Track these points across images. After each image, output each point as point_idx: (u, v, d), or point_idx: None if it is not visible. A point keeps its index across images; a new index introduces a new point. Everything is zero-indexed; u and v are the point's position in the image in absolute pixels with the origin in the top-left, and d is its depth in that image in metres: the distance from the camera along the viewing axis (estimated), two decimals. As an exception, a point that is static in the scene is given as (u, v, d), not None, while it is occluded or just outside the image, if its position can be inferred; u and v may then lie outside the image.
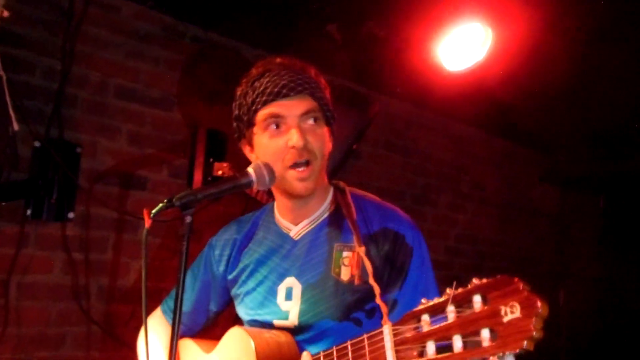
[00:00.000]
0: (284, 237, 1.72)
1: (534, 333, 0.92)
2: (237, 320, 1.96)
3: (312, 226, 1.69)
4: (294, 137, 1.56)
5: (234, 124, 1.72)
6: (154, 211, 1.43)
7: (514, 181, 5.54)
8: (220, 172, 3.15)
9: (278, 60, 1.65)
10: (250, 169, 1.53)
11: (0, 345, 2.70)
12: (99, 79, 3.12)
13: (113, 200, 3.13)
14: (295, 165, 1.57)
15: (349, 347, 1.28)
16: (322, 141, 1.62)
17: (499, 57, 3.28)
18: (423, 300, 1.12)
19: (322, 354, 1.36)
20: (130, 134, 3.23)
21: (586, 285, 6.10)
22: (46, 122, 2.88)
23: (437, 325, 1.07)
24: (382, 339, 1.19)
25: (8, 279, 2.74)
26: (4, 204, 2.73)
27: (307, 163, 1.58)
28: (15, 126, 2.61)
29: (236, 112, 1.69)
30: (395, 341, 1.16)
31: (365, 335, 1.25)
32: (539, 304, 0.93)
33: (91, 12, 3.06)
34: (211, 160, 3.29)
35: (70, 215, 2.92)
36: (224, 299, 1.87)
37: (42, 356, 2.85)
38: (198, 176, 3.26)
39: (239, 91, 1.68)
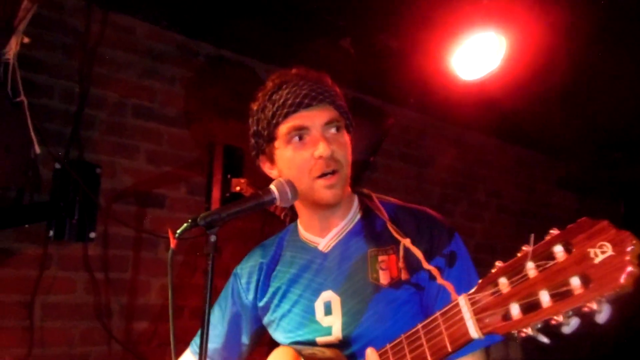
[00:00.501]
0: (313, 251, 1.67)
1: (632, 267, 0.84)
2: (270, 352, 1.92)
3: (341, 236, 1.65)
4: (320, 148, 1.53)
5: (252, 141, 1.68)
6: (178, 231, 1.43)
7: (531, 188, 5.50)
8: (238, 188, 3.16)
9: (294, 71, 1.62)
10: (272, 186, 1.52)
11: (26, 367, 2.72)
12: (116, 99, 3.16)
13: (132, 219, 3.15)
14: (323, 175, 1.55)
15: (420, 329, 1.18)
16: (346, 149, 1.60)
17: (513, 65, 3.27)
18: (497, 263, 1.04)
19: (388, 346, 1.26)
20: (148, 153, 3.26)
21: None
22: (66, 144, 2.92)
23: (519, 284, 0.99)
24: (460, 311, 1.09)
25: (32, 300, 2.76)
26: (27, 226, 2.76)
27: (334, 172, 1.56)
28: (37, 149, 2.66)
29: (254, 127, 1.65)
30: (474, 310, 1.06)
31: (437, 313, 1.15)
32: (631, 238, 0.86)
33: (107, 34, 3.10)
34: (229, 176, 3.30)
35: (92, 235, 2.94)
36: (255, 329, 1.80)
37: (66, 376, 2.86)
38: (216, 193, 3.27)
39: (255, 106, 1.65)
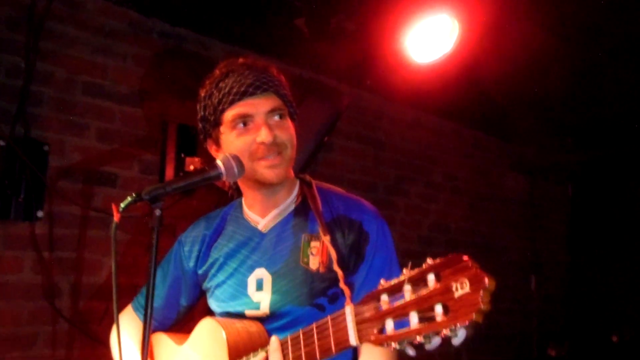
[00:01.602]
0: (253, 230, 1.76)
1: (482, 306, 0.98)
2: (210, 313, 1.98)
3: (280, 218, 1.74)
4: (262, 134, 1.61)
5: (200, 125, 1.75)
6: (122, 205, 1.44)
7: (485, 171, 5.64)
8: (192, 167, 3.15)
9: (240, 60, 1.69)
10: (219, 161, 1.55)
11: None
12: (65, 76, 3.08)
13: (83, 197, 3.10)
14: (264, 158, 1.63)
15: (314, 329, 1.32)
16: (290, 133, 1.69)
17: (467, 47, 3.33)
18: (382, 282, 1.18)
19: (289, 337, 1.40)
20: (100, 131, 3.20)
21: (556, 271, 6.26)
22: (11, 120, 2.84)
23: (395, 304, 1.13)
24: (345, 319, 1.24)
25: (-23, 280, 2.70)
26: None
27: (277, 153, 1.64)
28: (-20, 125, 2.57)
29: (202, 113, 1.72)
30: (356, 320, 1.21)
31: (329, 317, 1.29)
32: (486, 279, 0.99)
33: (55, 7, 3.01)
34: (182, 155, 3.28)
35: (39, 214, 2.88)
36: (194, 293, 1.90)
37: (14, 356, 2.81)
38: (170, 172, 3.25)
39: (202, 92, 1.71)
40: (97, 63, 3.20)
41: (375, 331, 1.15)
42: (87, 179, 3.13)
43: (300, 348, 1.34)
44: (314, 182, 1.79)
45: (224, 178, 1.55)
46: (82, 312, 3.04)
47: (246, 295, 1.70)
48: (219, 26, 3.49)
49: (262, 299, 1.68)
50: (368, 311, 1.18)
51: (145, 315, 1.40)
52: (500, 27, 3.41)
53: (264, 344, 1.57)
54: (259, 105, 1.63)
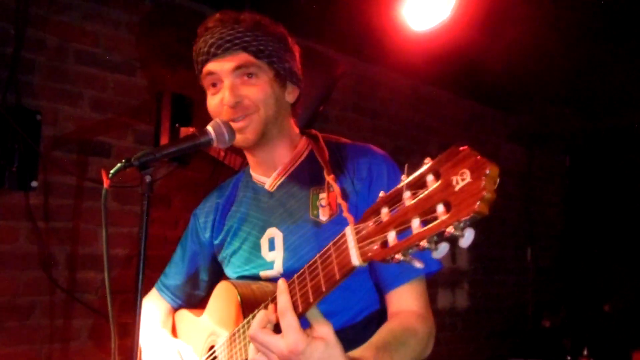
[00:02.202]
0: (261, 190, 1.73)
1: (485, 193, 0.88)
2: None
3: (285, 175, 1.69)
4: (225, 95, 1.57)
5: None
6: (112, 171, 1.42)
7: (482, 141, 5.62)
8: (185, 137, 3.12)
9: (217, 16, 1.63)
10: (209, 127, 1.51)
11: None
12: (56, 43, 3.03)
13: (77, 167, 3.08)
14: (231, 121, 1.56)
15: (318, 260, 1.23)
16: (262, 92, 1.59)
17: (465, 16, 3.27)
18: (381, 194, 1.08)
19: (295, 275, 1.30)
20: (93, 100, 3.16)
21: (552, 242, 6.29)
22: (2, 89, 2.80)
23: (395, 213, 1.04)
24: (345, 240, 1.15)
25: (-29, 250, 2.70)
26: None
27: (242, 118, 1.58)
28: (-30, 93, 2.54)
29: (196, 70, 1.70)
30: (357, 238, 1.11)
31: (330, 243, 1.20)
32: (487, 165, 0.90)
33: (45, -27, 2.95)
34: (177, 125, 3.25)
35: (33, 184, 2.86)
36: (213, 267, 1.87)
37: (11, 325, 2.83)
38: (164, 141, 3.22)
39: (194, 49, 1.69)
40: (89, 30, 3.15)
41: (377, 246, 1.06)
42: (81, 149, 3.11)
43: (307, 283, 1.24)
44: (320, 135, 1.72)
45: (215, 144, 1.51)
46: (78, 282, 3.05)
47: (260, 257, 1.67)
48: (212, -7, 3.43)
49: (275, 258, 1.64)
50: (368, 227, 1.08)
51: (136, 285, 1.37)
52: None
53: None
54: (222, 65, 1.58)
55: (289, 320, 1.21)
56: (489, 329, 5.55)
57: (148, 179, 1.43)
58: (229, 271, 1.78)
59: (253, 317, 1.38)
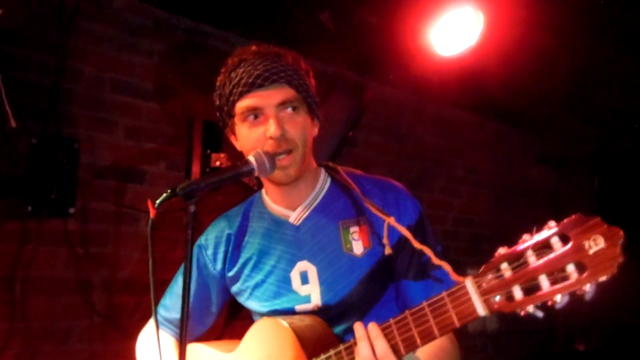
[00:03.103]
0: (284, 224, 1.71)
1: (621, 258, 1.02)
2: (229, 320, 1.96)
3: (310, 209, 1.70)
4: (271, 128, 1.55)
5: (217, 114, 1.71)
6: (158, 201, 1.43)
7: (509, 163, 5.59)
8: (217, 163, 3.18)
9: (253, 48, 1.62)
10: (251, 157, 1.54)
11: (8, 340, 2.73)
12: (93, 73, 3.13)
13: (112, 194, 3.15)
14: (275, 155, 1.56)
15: (426, 307, 1.28)
16: (303, 128, 1.61)
17: (491, 40, 3.30)
18: (500, 250, 1.17)
19: (392, 321, 1.33)
20: (127, 128, 3.24)
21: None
22: (42, 118, 2.89)
23: (521, 270, 1.13)
24: (467, 292, 1.21)
25: (13, 275, 2.77)
26: (4, 201, 2.75)
27: (288, 152, 1.58)
28: (13, 123, 2.62)
29: (217, 102, 1.68)
30: (480, 291, 1.19)
31: (444, 293, 1.25)
32: (621, 233, 1.03)
33: (83, 6, 3.06)
34: (208, 151, 3.31)
35: (71, 210, 2.93)
36: (223, 298, 1.84)
37: (49, 349, 2.88)
38: (196, 168, 3.28)
39: (218, 81, 1.67)
40: (124, 60, 3.25)
41: (503, 299, 1.15)
42: (116, 176, 3.18)
43: (411, 329, 1.29)
44: (340, 168, 1.74)
45: (256, 173, 1.54)
46: (113, 307, 3.10)
47: (292, 291, 1.66)
48: (242, 22, 3.51)
49: (311, 292, 1.63)
50: (491, 281, 1.17)
51: (182, 314, 1.34)
52: (526, 19, 3.38)
53: (328, 334, 1.54)
54: (268, 97, 1.57)
55: None
56: (520, 351, 5.45)
57: (192, 208, 1.45)
58: (253, 304, 1.74)
59: (346, 349, 1.41)
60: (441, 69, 3.56)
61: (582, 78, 4.34)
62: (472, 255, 5.05)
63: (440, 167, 4.98)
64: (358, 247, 1.61)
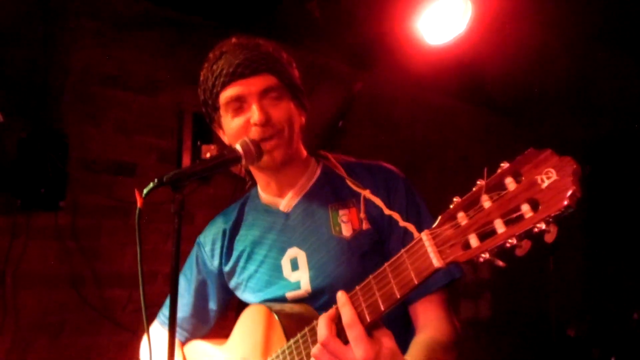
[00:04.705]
0: (274, 213, 1.72)
1: (574, 188, 0.92)
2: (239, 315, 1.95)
3: (300, 196, 1.70)
4: (254, 115, 1.56)
5: (203, 109, 1.72)
6: (145, 191, 1.43)
7: (500, 153, 5.59)
8: (208, 155, 3.19)
9: (234, 40, 1.63)
10: (237, 145, 1.54)
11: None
12: (82, 67, 3.12)
13: (103, 187, 3.15)
14: (261, 141, 1.57)
15: (387, 269, 1.21)
16: (287, 113, 1.61)
17: (480, 28, 3.31)
18: (455, 199, 1.10)
19: (357, 288, 1.27)
20: (117, 121, 3.24)
21: (574, 252, 6.23)
22: (32, 112, 2.88)
23: (475, 216, 1.05)
24: (423, 245, 1.13)
25: (3, 269, 2.77)
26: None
27: (271, 137, 1.58)
28: (1, 117, 2.62)
29: (202, 97, 1.69)
30: (436, 243, 1.11)
31: (402, 250, 1.18)
32: (573, 162, 0.94)
33: (69, 0, 3.04)
34: (199, 143, 3.32)
35: (61, 204, 2.93)
36: (223, 295, 1.84)
37: (41, 343, 2.89)
38: (186, 159, 3.29)
39: (201, 76, 1.67)
40: (112, 54, 3.24)
41: (459, 248, 1.06)
42: (106, 169, 3.18)
43: (374, 293, 1.22)
44: (330, 155, 1.75)
45: (243, 162, 1.54)
46: (105, 300, 3.11)
47: (282, 279, 1.65)
48: (230, 13, 3.50)
49: (300, 278, 1.63)
50: (446, 231, 1.09)
51: (171, 306, 1.37)
52: (514, 6, 3.38)
53: (315, 318, 1.52)
54: (250, 85, 1.57)
55: (358, 332, 1.20)
56: (512, 339, 5.50)
57: (179, 197, 1.46)
58: (247, 296, 1.75)
59: (310, 331, 1.38)
60: (431, 58, 3.56)
61: (573, 67, 4.36)
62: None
63: (432, 157, 4.99)
64: (347, 229, 1.60)
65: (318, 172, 1.74)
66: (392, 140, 4.69)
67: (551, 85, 4.73)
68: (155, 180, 1.43)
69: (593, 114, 5.51)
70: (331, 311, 1.28)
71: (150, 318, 1.91)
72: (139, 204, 1.43)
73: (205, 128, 3.31)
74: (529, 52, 3.98)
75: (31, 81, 2.91)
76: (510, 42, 3.77)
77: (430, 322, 1.55)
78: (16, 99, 2.84)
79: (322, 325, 1.26)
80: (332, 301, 1.53)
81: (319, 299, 1.61)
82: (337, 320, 1.26)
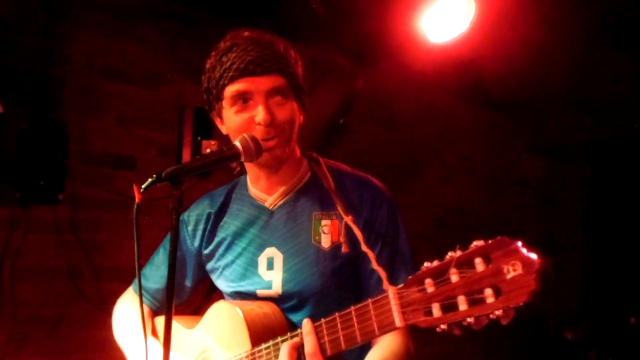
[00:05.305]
0: (260, 208, 1.73)
1: (535, 287, 1.00)
2: (208, 295, 1.96)
3: (287, 196, 1.71)
4: (260, 114, 1.56)
5: (205, 96, 1.72)
6: (143, 186, 1.43)
7: (500, 152, 5.60)
8: (208, 150, 3.18)
9: (246, 33, 1.62)
10: (237, 142, 1.54)
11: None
12: (83, 59, 3.11)
13: (102, 180, 3.15)
14: (262, 140, 1.57)
15: (353, 312, 1.31)
16: (291, 115, 1.62)
17: (483, 27, 3.29)
18: (425, 264, 1.17)
19: (323, 321, 1.37)
20: (118, 114, 3.23)
21: (573, 253, 6.23)
22: (32, 104, 2.88)
23: (442, 287, 1.12)
24: (388, 302, 1.22)
25: (1, 262, 2.76)
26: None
27: (273, 137, 1.59)
28: (1, 108, 2.61)
29: (205, 84, 1.68)
30: (401, 303, 1.20)
31: (369, 300, 1.27)
32: (538, 263, 1.01)
33: (73, -9, 3.04)
34: (199, 138, 3.31)
35: (60, 197, 2.93)
36: (198, 274, 1.86)
37: (39, 336, 2.89)
38: (187, 154, 3.28)
39: (208, 64, 1.66)
40: (115, 46, 3.23)
41: (421, 313, 1.16)
42: (106, 162, 3.18)
43: (338, 331, 1.33)
44: (322, 160, 1.75)
45: (242, 159, 1.55)
46: (103, 293, 3.10)
47: (256, 275, 1.68)
48: (233, 8, 3.49)
49: (273, 278, 1.65)
50: (412, 294, 1.18)
51: (167, 296, 1.38)
52: (517, 6, 3.37)
53: (280, 323, 1.57)
54: (259, 84, 1.57)
55: None
56: (510, 340, 5.50)
57: (178, 193, 1.46)
58: (221, 284, 1.78)
59: (274, 346, 1.47)
60: (433, 57, 3.55)
61: (575, 66, 4.35)
62: (463, 243, 5.07)
63: (433, 155, 4.99)
64: (326, 241, 1.62)
65: (307, 175, 1.74)
66: (393, 138, 4.68)
67: (552, 85, 4.73)
68: (154, 175, 1.43)
69: (593, 113, 5.51)
70: (295, 340, 1.41)
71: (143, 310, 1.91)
72: (137, 199, 1.43)
73: (206, 123, 3.32)
74: (530, 52, 3.97)
75: (32, 71, 2.90)
76: (512, 42, 3.76)
77: (385, 337, 1.56)
78: (17, 89, 2.83)
79: (285, 352, 1.39)
80: (299, 306, 1.63)
81: (287, 302, 1.64)
82: (299, 347, 1.40)
